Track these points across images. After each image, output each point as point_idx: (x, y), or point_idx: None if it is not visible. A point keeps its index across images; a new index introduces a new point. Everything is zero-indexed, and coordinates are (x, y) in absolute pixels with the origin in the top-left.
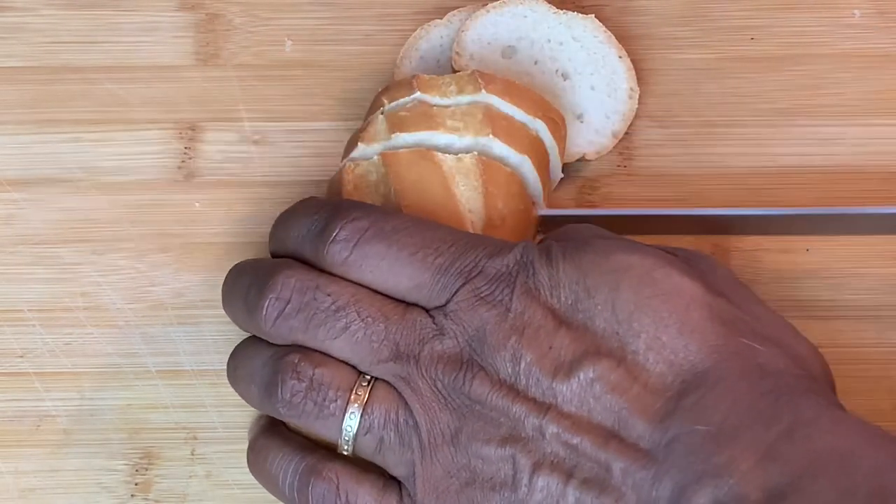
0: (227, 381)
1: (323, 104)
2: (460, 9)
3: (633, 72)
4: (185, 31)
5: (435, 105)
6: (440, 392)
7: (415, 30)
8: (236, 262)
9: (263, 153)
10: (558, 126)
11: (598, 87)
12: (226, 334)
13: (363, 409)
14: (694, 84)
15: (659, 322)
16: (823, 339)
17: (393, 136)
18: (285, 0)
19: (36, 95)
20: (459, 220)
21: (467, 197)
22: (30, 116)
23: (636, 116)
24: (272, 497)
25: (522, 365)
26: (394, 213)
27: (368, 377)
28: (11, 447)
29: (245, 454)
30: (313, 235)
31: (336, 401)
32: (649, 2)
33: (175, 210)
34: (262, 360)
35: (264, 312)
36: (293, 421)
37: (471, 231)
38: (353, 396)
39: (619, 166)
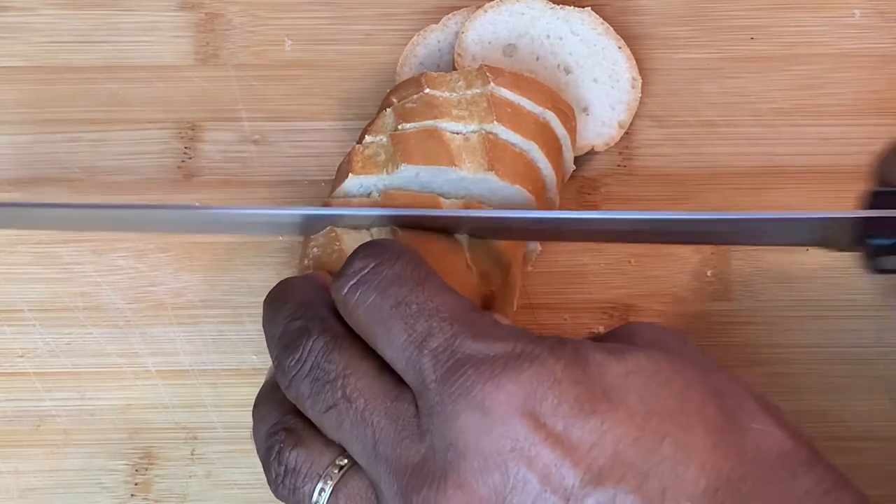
0: (226, 381)
1: (323, 104)
2: (455, 12)
3: (634, 61)
4: (184, 31)
5: (442, 97)
6: (410, 501)
7: (414, 29)
8: (283, 280)
9: (263, 153)
10: (568, 117)
11: (600, 79)
12: (225, 334)
13: (332, 495)
14: (694, 84)
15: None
16: (823, 339)
17: (399, 126)
18: (285, 0)
19: (36, 95)
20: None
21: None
22: (30, 116)
23: (636, 116)
24: (272, 498)
25: (519, 487)
26: (402, 254)
27: (346, 460)
28: (11, 447)
29: (245, 454)
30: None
31: (305, 486)
32: (649, 1)
33: None
34: (265, 429)
35: (284, 370)
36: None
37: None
38: (321, 483)
39: (619, 166)
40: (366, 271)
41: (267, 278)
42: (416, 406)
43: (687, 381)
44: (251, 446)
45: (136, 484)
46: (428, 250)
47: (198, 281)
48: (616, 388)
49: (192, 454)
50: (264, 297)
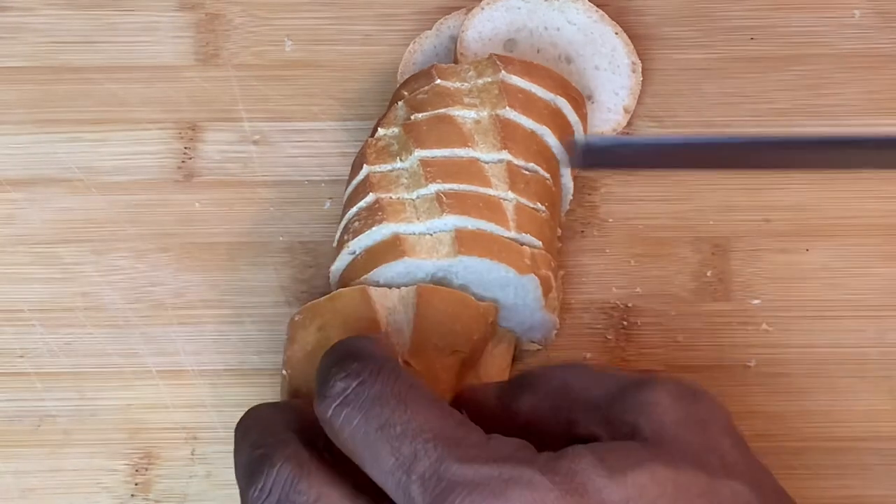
0: (226, 381)
1: (323, 104)
2: (446, 17)
3: (632, 46)
4: (184, 31)
5: (453, 87)
6: None
7: (415, 30)
8: (250, 409)
9: (263, 153)
10: (579, 104)
11: (601, 66)
12: (226, 334)
13: None
14: (694, 84)
15: None
16: (823, 339)
17: (412, 117)
18: (285, 0)
19: (36, 95)
20: (481, 175)
21: (487, 157)
22: (30, 116)
23: (635, 116)
24: None
25: None
26: (389, 370)
27: None
28: (11, 447)
29: None
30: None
31: None
32: (650, 1)
33: (175, 210)
34: None
35: (249, 502)
36: None
37: (493, 186)
38: None
39: None
40: (348, 392)
41: (267, 278)
42: None
43: (693, 496)
44: None
45: (136, 484)
46: (443, 299)
47: (198, 281)
48: None
49: (193, 454)
50: (264, 297)
